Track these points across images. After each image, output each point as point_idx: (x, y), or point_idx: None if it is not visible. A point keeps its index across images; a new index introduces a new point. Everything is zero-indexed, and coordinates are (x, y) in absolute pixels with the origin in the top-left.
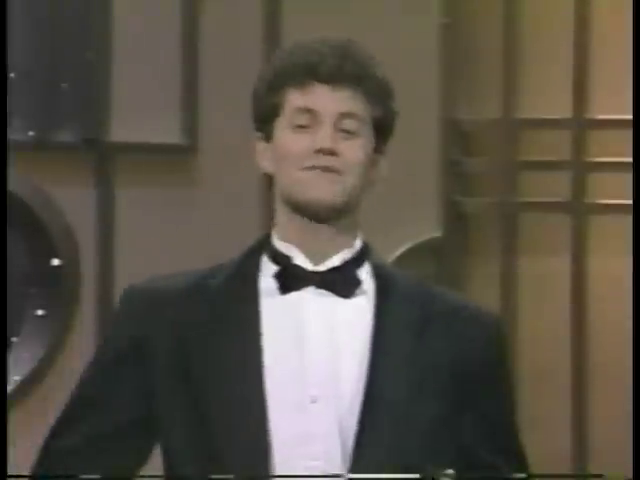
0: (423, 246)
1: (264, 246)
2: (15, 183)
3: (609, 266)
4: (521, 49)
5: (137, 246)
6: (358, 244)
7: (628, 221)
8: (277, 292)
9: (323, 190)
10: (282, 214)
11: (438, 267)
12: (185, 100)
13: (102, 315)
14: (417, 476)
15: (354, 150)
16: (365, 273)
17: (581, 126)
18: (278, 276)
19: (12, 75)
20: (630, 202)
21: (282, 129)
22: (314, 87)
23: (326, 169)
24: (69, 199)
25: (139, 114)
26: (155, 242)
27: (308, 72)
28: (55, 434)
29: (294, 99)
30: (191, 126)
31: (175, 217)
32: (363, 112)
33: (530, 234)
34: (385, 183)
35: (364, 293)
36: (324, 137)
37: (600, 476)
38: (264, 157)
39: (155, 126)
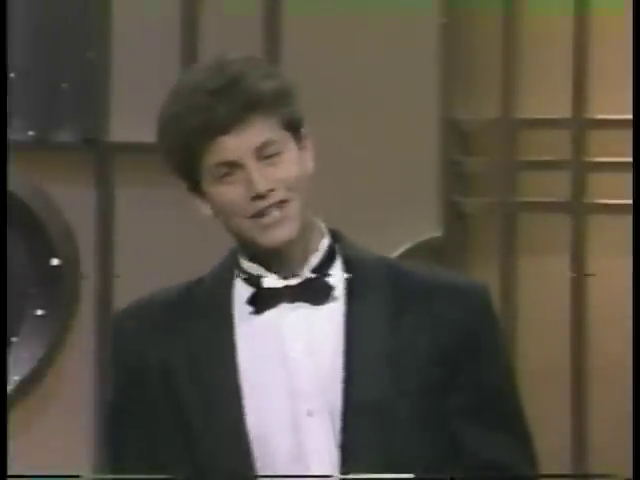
0: (423, 246)
1: (233, 265)
2: (15, 183)
3: (609, 266)
4: (520, 49)
5: (137, 246)
6: (326, 243)
7: (628, 221)
8: (253, 314)
9: (276, 234)
10: (242, 247)
11: (438, 267)
12: None
13: (102, 315)
14: (411, 476)
15: (286, 171)
16: (337, 270)
17: (580, 126)
18: (251, 300)
19: (12, 75)
20: (630, 202)
21: (209, 185)
22: (220, 141)
23: (271, 207)
24: (69, 199)
25: (139, 114)
26: (154, 242)
27: (205, 132)
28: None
29: (207, 158)
30: None
31: (174, 216)
32: (274, 131)
33: (530, 234)
34: (385, 183)
35: (337, 298)
36: (255, 183)
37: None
38: (201, 207)
39: (154, 126)
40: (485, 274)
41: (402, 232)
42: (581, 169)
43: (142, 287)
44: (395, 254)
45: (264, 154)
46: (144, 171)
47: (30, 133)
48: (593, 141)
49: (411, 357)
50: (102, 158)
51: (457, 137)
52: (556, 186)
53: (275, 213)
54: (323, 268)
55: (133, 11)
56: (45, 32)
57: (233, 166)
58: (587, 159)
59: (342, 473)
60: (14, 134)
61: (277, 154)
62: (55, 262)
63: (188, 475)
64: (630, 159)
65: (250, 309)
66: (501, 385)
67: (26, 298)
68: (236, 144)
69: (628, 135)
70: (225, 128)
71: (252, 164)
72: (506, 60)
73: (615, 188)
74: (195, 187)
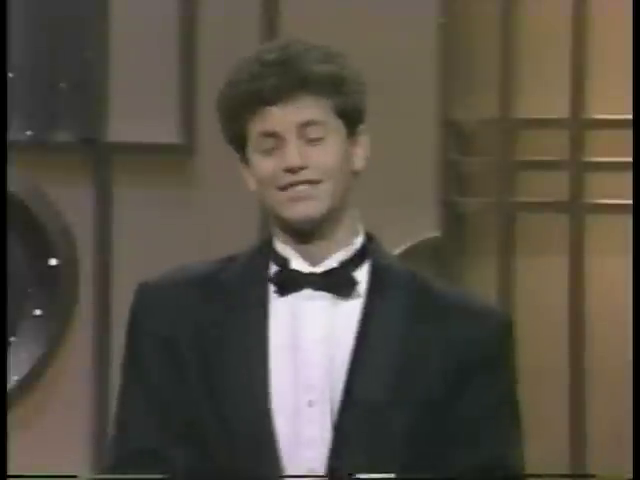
0: (421, 246)
1: (267, 248)
2: (13, 183)
3: (607, 266)
4: (519, 49)
5: (135, 246)
6: (359, 241)
7: (626, 221)
8: (276, 295)
9: (301, 208)
10: (275, 225)
11: (436, 267)
12: (183, 100)
13: (100, 315)
14: (412, 476)
15: (325, 156)
16: (365, 272)
17: (579, 126)
18: (275, 279)
19: (11, 75)
20: (628, 202)
21: (252, 154)
22: (267, 111)
23: (301, 184)
24: (67, 199)
25: (137, 114)
26: (153, 242)
27: (254, 100)
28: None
29: (253, 127)
30: (189, 126)
31: (173, 217)
32: (322, 113)
33: (528, 234)
34: (383, 183)
35: (361, 294)
36: (289, 156)
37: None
38: (248, 178)
39: (153, 126)
40: (483, 274)
41: (401, 232)
42: (579, 169)
43: None
44: (394, 254)
45: (307, 135)
46: (142, 171)
47: (28, 133)
48: (591, 141)
49: (417, 368)
50: (100, 158)
51: (456, 137)
52: (554, 186)
53: (304, 189)
54: (352, 264)
55: (131, 11)
56: (43, 32)
57: (276, 139)
58: (585, 159)
59: (328, 465)
60: (12, 134)
61: (320, 138)
62: (53, 262)
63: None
64: (628, 159)
65: (273, 288)
66: (501, 415)
67: (24, 298)
68: (281, 117)
69: (626, 135)
70: (273, 99)
71: (292, 139)
72: (504, 60)
73: (613, 188)
74: (245, 157)
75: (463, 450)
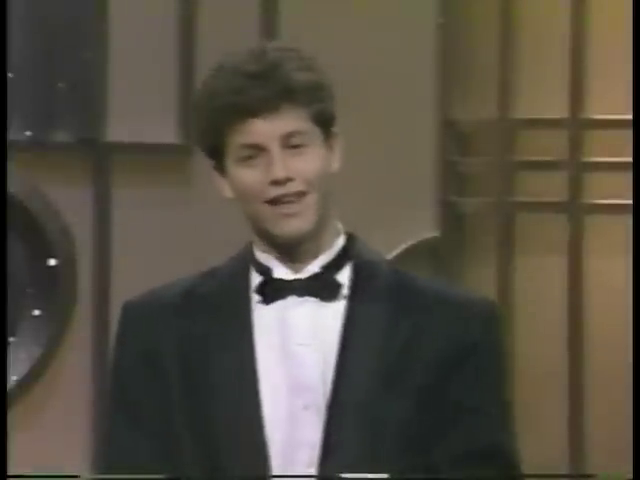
0: (420, 246)
1: (248, 256)
2: (12, 183)
3: (606, 266)
4: (517, 49)
5: (134, 246)
6: (340, 242)
7: (625, 221)
8: (262, 303)
9: (292, 224)
10: (256, 235)
11: (435, 267)
12: (182, 100)
13: (99, 315)
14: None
15: (308, 166)
16: (347, 272)
17: (578, 126)
18: (259, 289)
19: (10, 75)
20: (627, 202)
21: (232, 165)
22: (250, 123)
23: (288, 197)
24: (66, 199)
25: (136, 114)
26: (152, 242)
27: (237, 112)
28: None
29: (233, 138)
30: (188, 126)
31: (172, 217)
32: (304, 122)
33: (527, 234)
34: (383, 183)
35: (345, 295)
36: (275, 168)
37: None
38: (224, 187)
39: (152, 126)
40: (482, 274)
41: (400, 232)
42: (578, 169)
43: (139, 287)
44: (393, 254)
45: (290, 143)
46: (141, 171)
47: (27, 133)
48: (590, 141)
49: (404, 364)
50: (99, 158)
51: (455, 137)
52: (553, 186)
53: (292, 204)
54: (334, 266)
55: (130, 11)
56: (43, 32)
57: (257, 149)
58: (584, 159)
59: (319, 468)
60: (12, 134)
61: (303, 146)
62: (52, 262)
63: (199, 457)
64: (627, 159)
65: (258, 298)
66: (489, 403)
67: (23, 298)
68: (264, 128)
69: (625, 135)
70: (256, 111)
71: (276, 149)
72: (504, 60)
73: (612, 188)
74: (220, 166)
75: (457, 439)
